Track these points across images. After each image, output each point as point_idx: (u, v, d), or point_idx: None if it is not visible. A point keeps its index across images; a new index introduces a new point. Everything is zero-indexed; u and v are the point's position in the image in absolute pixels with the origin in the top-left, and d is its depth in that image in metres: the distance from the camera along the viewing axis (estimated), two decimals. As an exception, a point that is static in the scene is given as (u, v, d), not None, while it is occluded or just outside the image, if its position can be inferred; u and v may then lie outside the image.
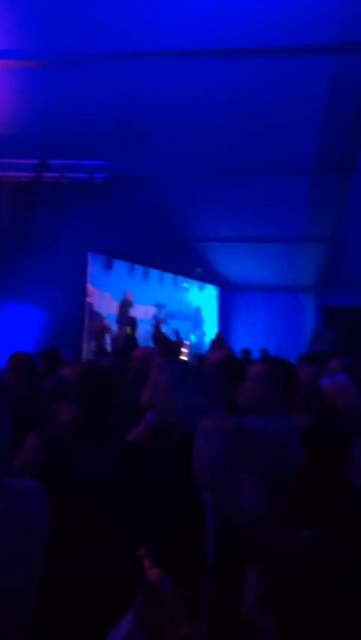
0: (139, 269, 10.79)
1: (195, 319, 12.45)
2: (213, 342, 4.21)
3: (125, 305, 10.52)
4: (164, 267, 11.38)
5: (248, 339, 12.11)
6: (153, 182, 7.35)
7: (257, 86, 5.47)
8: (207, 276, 11.95)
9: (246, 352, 10.80)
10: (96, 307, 9.97)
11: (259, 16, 4.58)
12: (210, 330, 12.94)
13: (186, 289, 12.15)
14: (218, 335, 4.50)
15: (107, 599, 1.96)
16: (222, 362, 3.63)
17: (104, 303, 10.12)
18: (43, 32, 4.90)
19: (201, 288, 12.61)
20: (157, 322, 9.47)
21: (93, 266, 9.94)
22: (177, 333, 3.10)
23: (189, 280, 12.24)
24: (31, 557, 1.56)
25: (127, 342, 6.53)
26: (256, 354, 10.62)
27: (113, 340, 6.72)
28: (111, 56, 5.19)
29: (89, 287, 9.91)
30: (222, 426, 1.93)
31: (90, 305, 9.87)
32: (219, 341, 4.29)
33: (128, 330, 7.53)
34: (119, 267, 10.43)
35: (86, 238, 8.45)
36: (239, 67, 5.29)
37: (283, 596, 1.21)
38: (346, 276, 11.35)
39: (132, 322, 8.17)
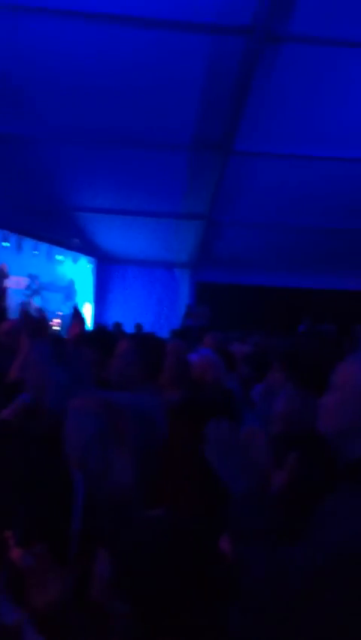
0: (12, 239, 10.40)
1: (67, 291, 12.37)
2: (72, 316, 4.19)
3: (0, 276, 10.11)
4: (39, 235, 11.00)
5: (124, 313, 12.17)
6: (30, 143, 7.05)
7: (140, 56, 5.45)
8: (84, 247, 11.76)
9: (117, 326, 10.85)
10: None
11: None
12: (85, 302, 12.88)
13: (60, 261, 11.99)
14: (75, 309, 4.48)
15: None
16: (89, 337, 3.61)
17: None
18: None
19: (75, 261, 12.49)
20: (24, 304, 9.17)
21: None
22: (40, 311, 3.06)
23: (64, 252, 12.03)
24: None
25: None
26: (130, 328, 10.72)
27: None
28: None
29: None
30: (91, 403, 1.92)
31: None
32: (76, 315, 4.28)
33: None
34: None
35: None
36: (123, 35, 5.23)
37: (130, 578, 1.21)
38: (220, 254, 11.75)
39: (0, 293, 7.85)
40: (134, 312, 12.26)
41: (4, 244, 10.16)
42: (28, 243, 10.80)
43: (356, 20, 4.94)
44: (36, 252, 11.01)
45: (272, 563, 1.23)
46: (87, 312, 12.98)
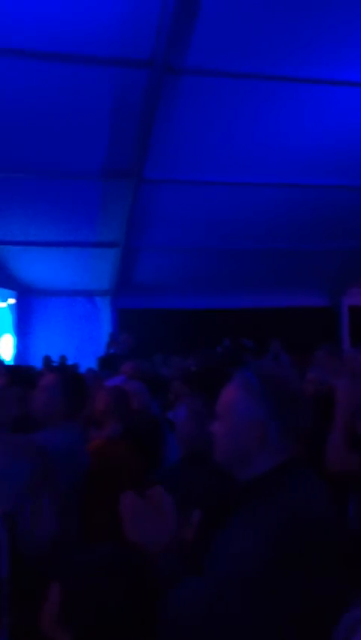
0: None
1: None
2: None
3: None
4: None
5: (48, 345, 12.05)
6: None
7: (47, 89, 5.65)
8: (4, 280, 11.65)
9: (47, 359, 10.77)
10: None
11: (51, 21, 4.75)
12: (5, 336, 12.89)
13: None
14: None
15: None
16: (11, 372, 3.55)
17: None
18: None
19: None
20: None
21: None
22: None
23: None
24: None
25: None
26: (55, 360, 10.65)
27: None
28: None
29: None
30: (20, 449, 1.87)
31: None
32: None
33: None
34: None
35: None
36: (30, 68, 5.41)
37: (78, 609, 1.22)
38: (138, 280, 11.93)
39: None
40: (59, 343, 12.16)
41: None
42: None
43: (246, 53, 5.39)
44: None
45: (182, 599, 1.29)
46: (7, 345, 12.93)
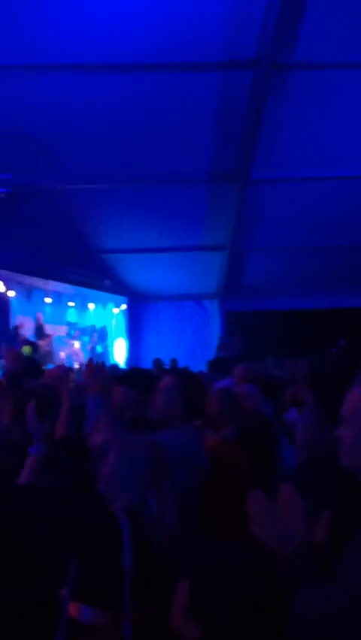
0: (53, 295, 11.71)
1: (100, 333, 13.39)
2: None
3: (38, 327, 11.31)
4: (72, 280, 11.45)
5: (159, 349, 12.31)
6: (57, 194, 7.42)
7: (153, 99, 5.76)
8: (115, 287, 12.13)
9: (158, 363, 10.99)
10: (22, 331, 10.56)
11: (154, 33, 4.86)
12: (118, 341, 13.80)
13: (92, 308, 13.19)
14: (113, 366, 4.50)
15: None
16: (128, 376, 3.59)
17: (28, 327, 10.90)
18: None
19: (104, 307, 13.62)
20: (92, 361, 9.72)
21: (17, 296, 10.60)
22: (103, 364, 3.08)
23: (95, 299, 12.98)
24: None
25: (27, 363, 6.34)
26: (165, 364, 10.85)
27: (6, 362, 6.40)
28: (4, 68, 5.26)
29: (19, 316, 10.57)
30: (138, 444, 1.93)
31: (16, 329, 10.45)
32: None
33: (27, 350, 7.42)
34: (37, 294, 11.43)
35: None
36: (135, 81, 5.55)
37: (211, 607, 1.23)
38: (246, 282, 11.87)
39: (29, 343, 8.14)
40: (169, 347, 12.39)
41: (46, 299, 11.52)
42: (65, 296, 12.12)
43: (354, 42, 5.18)
44: (72, 303, 12.34)
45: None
46: (120, 348, 13.68)
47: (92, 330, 13.02)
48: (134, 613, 1.63)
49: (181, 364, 10.80)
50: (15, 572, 2.03)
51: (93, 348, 12.83)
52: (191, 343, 12.79)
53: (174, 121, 6.16)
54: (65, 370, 3.82)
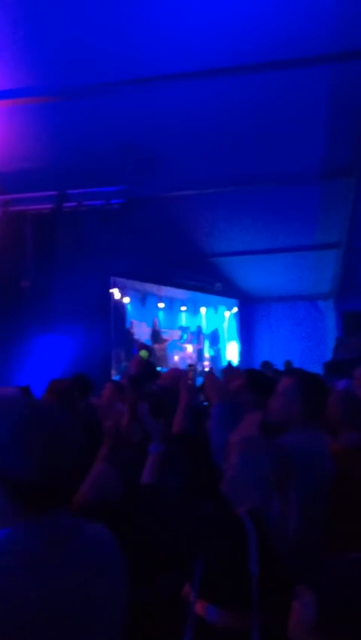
0: (165, 300, 12.15)
1: (212, 337, 13.60)
2: (226, 372, 3.96)
3: (155, 332, 11.84)
4: (185, 285, 11.68)
5: (271, 351, 12.19)
6: (168, 201, 7.58)
7: (260, 99, 5.69)
8: (226, 290, 12.19)
9: (266, 365, 10.87)
10: (136, 336, 11.19)
11: (256, 32, 4.81)
12: (231, 343, 13.82)
13: (204, 312, 13.41)
14: (229, 365, 4.47)
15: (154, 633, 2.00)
16: (248, 377, 3.48)
17: (142, 331, 11.45)
18: (49, 68, 5.19)
19: (216, 310, 13.73)
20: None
21: (131, 302, 11.12)
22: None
23: (206, 303, 13.15)
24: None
25: (144, 367, 6.58)
26: (278, 366, 10.69)
27: (129, 366, 6.74)
28: (114, 85, 5.45)
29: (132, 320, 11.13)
30: (261, 448, 1.91)
31: (132, 334, 11.03)
32: (230, 370, 4.07)
33: (144, 354, 7.66)
34: (151, 300, 11.91)
35: (107, 263, 8.70)
36: (240, 83, 5.51)
37: (337, 618, 1.19)
38: (364, 281, 11.43)
39: (146, 347, 8.42)
40: (282, 349, 12.22)
41: (159, 305, 11.97)
42: (177, 302, 12.54)
43: None
44: (184, 308, 12.67)
45: None
46: (233, 351, 13.70)
47: (199, 332, 13.26)
48: (262, 616, 1.62)
49: (295, 367, 10.59)
50: (138, 570, 2.08)
51: (201, 351, 12.99)
52: (305, 345, 12.51)
53: (284, 119, 6.06)
54: (182, 372, 3.88)
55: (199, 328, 13.14)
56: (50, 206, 7.30)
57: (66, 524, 1.15)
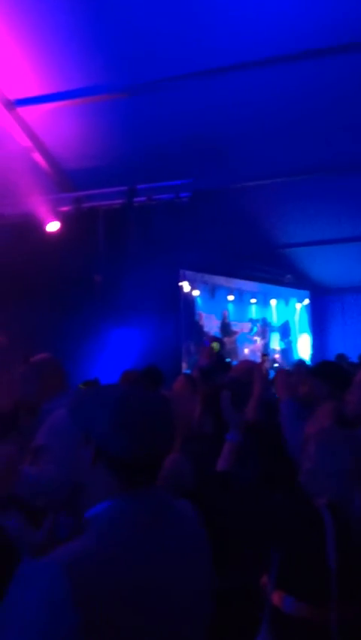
0: (235, 292, 12.07)
1: (283, 329, 13.42)
2: (296, 369, 3.79)
3: (224, 324, 11.82)
4: (254, 277, 11.59)
5: (345, 343, 11.87)
6: (237, 193, 7.53)
7: (329, 85, 5.55)
8: (297, 281, 11.99)
9: (341, 358, 10.58)
10: (206, 328, 11.23)
11: (316, 18, 4.70)
12: (302, 336, 13.59)
13: (274, 305, 13.25)
14: (300, 362, 4.38)
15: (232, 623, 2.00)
16: (319, 370, 3.44)
17: (211, 324, 11.44)
18: (116, 66, 5.27)
19: (287, 302, 13.53)
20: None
21: (201, 295, 11.16)
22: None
23: (278, 294, 12.98)
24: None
25: (215, 359, 6.56)
26: (352, 359, 10.39)
27: (200, 358, 6.73)
28: (179, 78, 5.47)
29: (200, 312, 11.16)
30: (339, 438, 1.89)
31: (201, 327, 11.04)
32: (300, 368, 3.94)
33: (216, 346, 7.65)
34: (220, 292, 11.84)
35: (177, 256, 8.76)
36: (307, 69, 5.38)
37: None
38: None
39: (217, 340, 8.41)
40: (355, 341, 11.88)
41: (229, 297, 11.86)
42: (247, 294, 12.37)
43: None
44: (254, 300, 12.52)
45: None
46: (305, 344, 13.48)
47: (264, 325, 13.11)
48: (341, 610, 1.59)
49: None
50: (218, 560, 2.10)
51: (266, 345, 12.85)
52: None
53: (354, 105, 5.88)
54: (255, 364, 3.88)
55: (264, 321, 13.05)
56: (120, 201, 7.41)
57: (160, 498, 1.21)
